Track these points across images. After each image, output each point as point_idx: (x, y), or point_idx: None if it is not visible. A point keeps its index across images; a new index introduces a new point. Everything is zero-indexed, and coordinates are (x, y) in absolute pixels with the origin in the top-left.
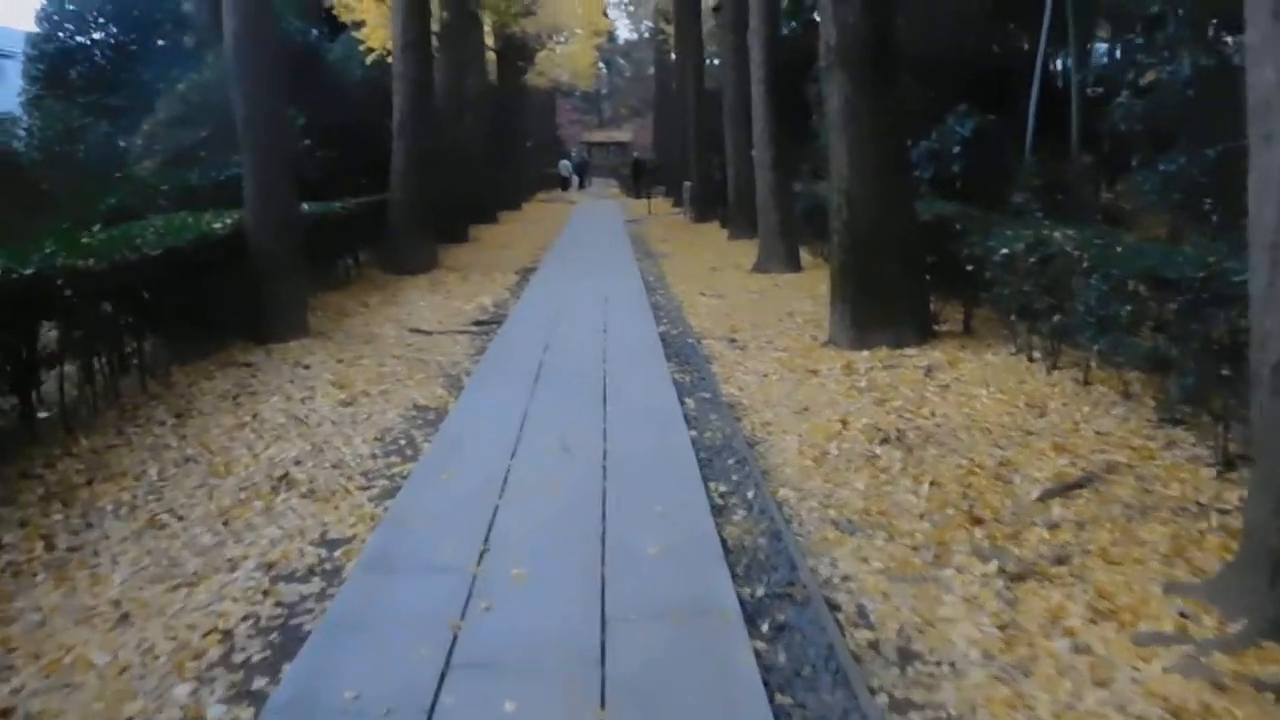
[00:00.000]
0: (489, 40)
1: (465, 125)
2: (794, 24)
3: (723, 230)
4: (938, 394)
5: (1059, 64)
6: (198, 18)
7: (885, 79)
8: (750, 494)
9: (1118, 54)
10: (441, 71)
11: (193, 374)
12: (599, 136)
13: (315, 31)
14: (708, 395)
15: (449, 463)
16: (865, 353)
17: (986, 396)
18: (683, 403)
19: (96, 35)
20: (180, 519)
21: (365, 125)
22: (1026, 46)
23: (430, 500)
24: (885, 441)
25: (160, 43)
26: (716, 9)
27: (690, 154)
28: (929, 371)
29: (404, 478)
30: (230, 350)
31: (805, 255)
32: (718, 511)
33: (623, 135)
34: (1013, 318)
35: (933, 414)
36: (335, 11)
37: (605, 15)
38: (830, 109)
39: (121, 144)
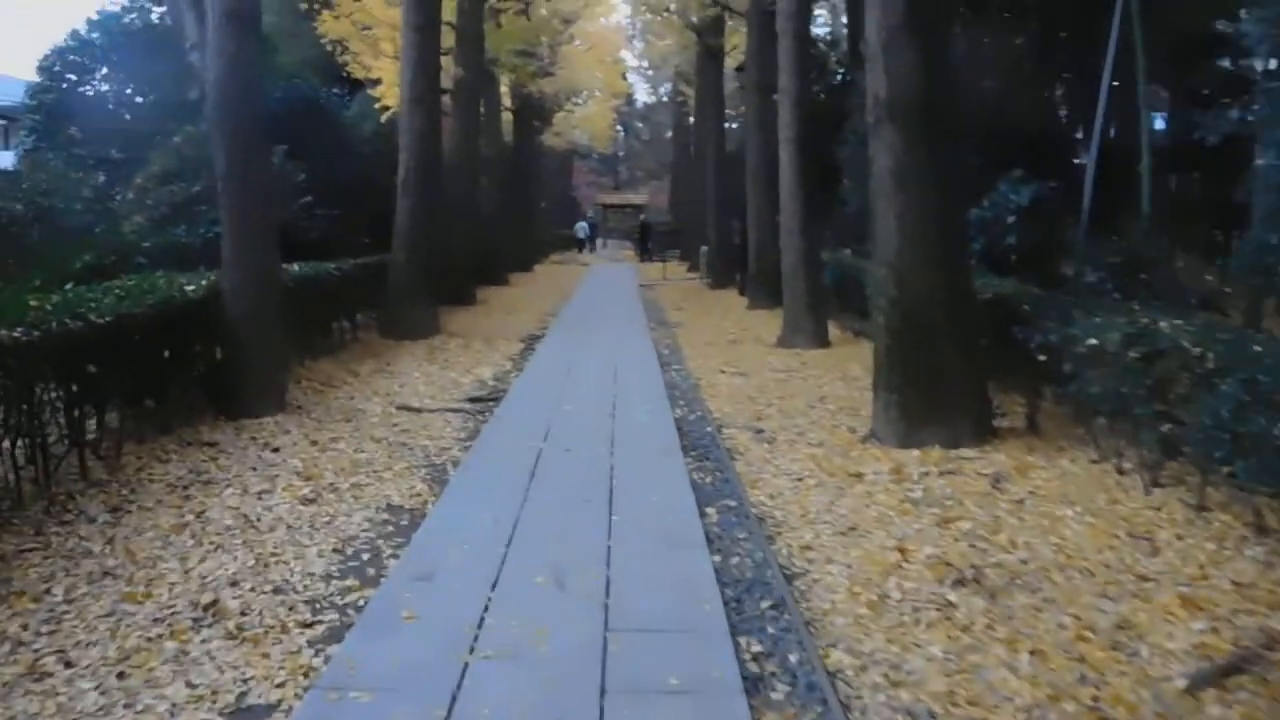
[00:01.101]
0: (505, 100)
1: (477, 184)
2: (826, 85)
3: (741, 298)
4: (1012, 513)
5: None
6: (201, 69)
7: (942, 137)
8: (794, 658)
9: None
10: (454, 129)
11: (147, 455)
12: (615, 199)
13: (326, 88)
14: (732, 504)
15: (414, 595)
16: (915, 452)
17: (1075, 520)
18: (703, 514)
19: (98, 85)
20: (69, 665)
21: (371, 183)
22: (1068, 111)
23: (382, 652)
24: (960, 583)
25: (161, 94)
26: (741, 69)
27: (709, 218)
28: (996, 481)
29: (358, 610)
30: (197, 427)
31: (833, 329)
32: (752, 686)
33: (639, 198)
34: (1099, 421)
35: (1012, 543)
36: (349, 69)
37: (624, 78)
38: (877, 171)
39: (117, 199)
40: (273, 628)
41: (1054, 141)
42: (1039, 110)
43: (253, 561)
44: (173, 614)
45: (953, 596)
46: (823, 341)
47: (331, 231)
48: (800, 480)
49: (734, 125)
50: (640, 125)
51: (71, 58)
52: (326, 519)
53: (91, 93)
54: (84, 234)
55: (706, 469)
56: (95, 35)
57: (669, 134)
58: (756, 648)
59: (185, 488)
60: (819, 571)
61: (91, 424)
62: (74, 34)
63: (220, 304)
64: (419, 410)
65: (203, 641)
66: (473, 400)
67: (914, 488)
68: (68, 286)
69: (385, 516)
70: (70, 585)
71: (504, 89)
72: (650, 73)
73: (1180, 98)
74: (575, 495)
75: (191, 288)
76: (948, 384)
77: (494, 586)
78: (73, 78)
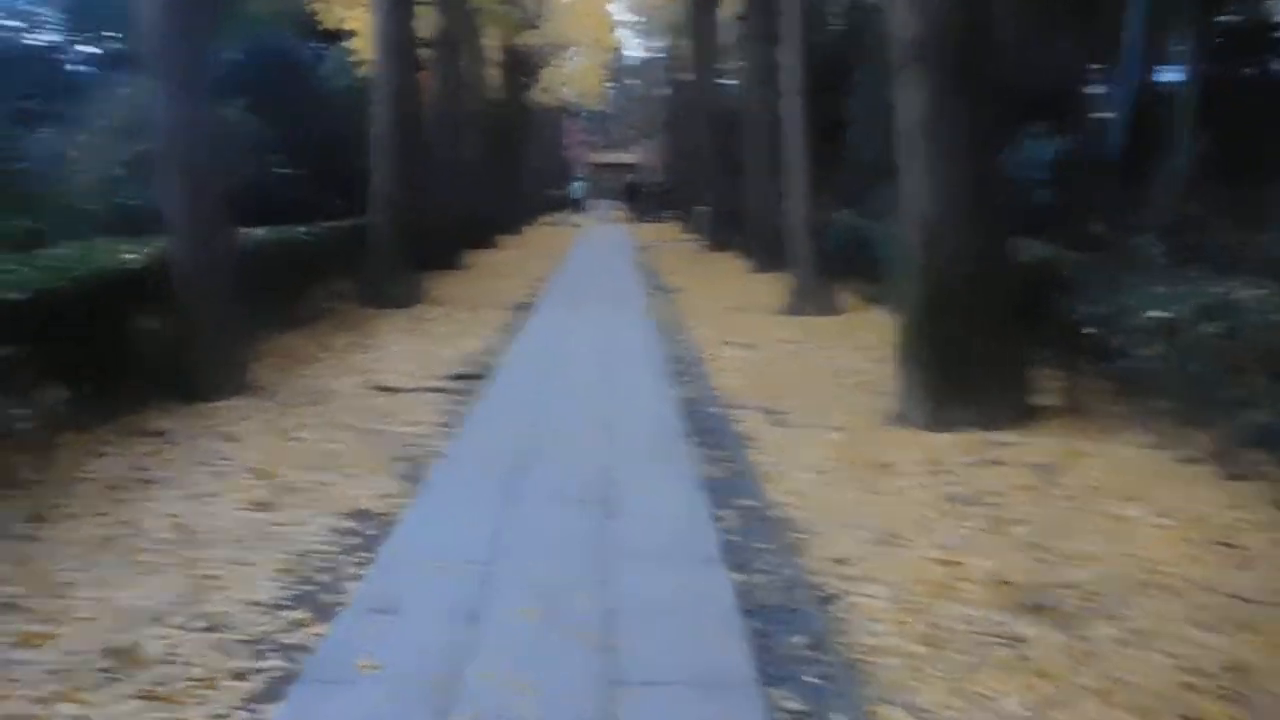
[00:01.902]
0: (491, 54)
1: (462, 142)
2: (829, 33)
3: (741, 261)
4: (1072, 514)
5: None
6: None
7: (978, 81)
8: None
9: None
10: (435, 83)
11: (84, 448)
12: (607, 158)
13: (300, 41)
14: (750, 504)
15: (376, 633)
16: (948, 436)
17: (1145, 522)
18: (716, 518)
19: (46, 35)
20: None
21: (346, 141)
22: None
23: (330, 716)
24: (1028, 609)
25: (115, 44)
26: (742, 18)
27: (706, 177)
28: (1046, 472)
29: (307, 652)
30: (145, 413)
31: (842, 295)
32: None
33: (631, 157)
34: (1160, 403)
35: (1080, 554)
36: (320, 19)
37: (613, 33)
38: (903, 121)
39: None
40: (198, 682)
41: (1070, 94)
42: (1052, 60)
43: (186, 587)
44: (78, 663)
45: (1021, 627)
46: (832, 308)
47: (303, 192)
48: (823, 472)
49: (735, 81)
50: (632, 82)
51: (11, 3)
52: (281, 529)
53: (39, 41)
54: (33, 198)
55: (717, 460)
56: None
57: (662, 90)
58: (793, 703)
59: (121, 488)
60: (858, 593)
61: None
62: None
63: (167, 275)
64: (396, 391)
65: (106, 703)
66: (456, 378)
67: (953, 480)
68: None
69: (350, 524)
70: None
71: (488, 42)
72: (641, 27)
73: (1210, 44)
74: (568, 496)
75: (132, 256)
76: (983, 359)
77: (472, 621)
78: (17, 24)
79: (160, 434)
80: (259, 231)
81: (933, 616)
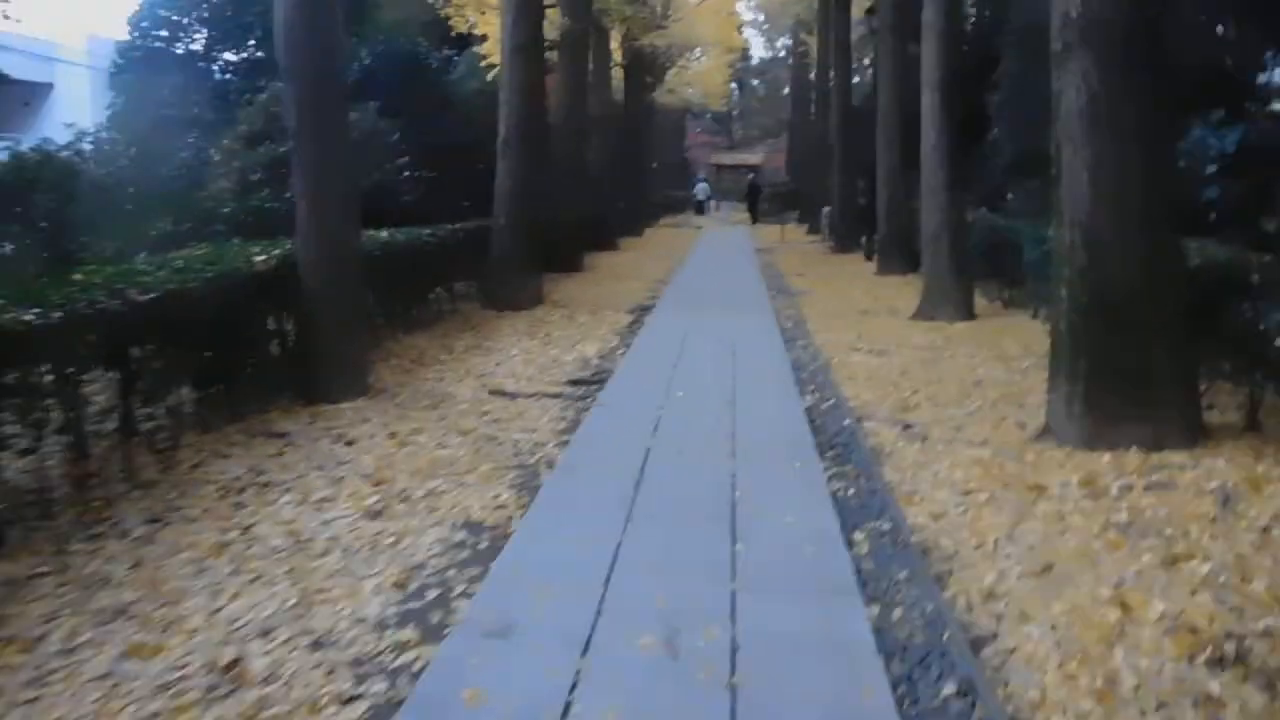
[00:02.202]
0: (616, 55)
1: (586, 144)
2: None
3: (868, 263)
4: (1260, 550)
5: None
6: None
7: (1147, 67)
8: None
9: None
10: (560, 84)
11: (208, 448)
12: (729, 159)
13: (432, 47)
14: (885, 527)
15: (484, 660)
16: (1107, 456)
17: None
18: (850, 542)
19: (188, 42)
20: None
21: (475, 144)
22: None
23: None
24: (1219, 663)
25: (256, 51)
26: (871, 10)
27: (833, 176)
28: (1225, 500)
29: (413, 677)
30: (270, 414)
31: (977, 299)
32: None
33: (754, 157)
34: None
35: (1274, 598)
36: (451, 23)
37: (739, 32)
38: (1064, 111)
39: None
40: (300, 705)
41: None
42: (1227, 41)
43: (295, 599)
44: (180, 680)
45: (1214, 685)
46: (968, 313)
47: (429, 195)
48: (967, 494)
49: (857, 80)
50: (755, 82)
51: (162, 13)
52: (393, 539)
53: (182, 50)
54: (173, 200)
55: (848, 476)
56: None
57: (785, 90)
58: None
59: (240, 491)
60: (1014, 635)
61: (157, 411)
62: None
63: (295, 276)
64: (514, 396)
65: None
66: (574, 383)
67: (1117, 506)
68: (140, 256)
69: (462, 536)
70: (73, 629)
71: (614, 44)
72: (766, 26)
73: None
74: (690, 513)
75: (262, 258)
76: (1149, 372)
77: (585, 650)
78: (164, 34)
79: (282, 436)
80: (383, 234)
81: (1106, 669)
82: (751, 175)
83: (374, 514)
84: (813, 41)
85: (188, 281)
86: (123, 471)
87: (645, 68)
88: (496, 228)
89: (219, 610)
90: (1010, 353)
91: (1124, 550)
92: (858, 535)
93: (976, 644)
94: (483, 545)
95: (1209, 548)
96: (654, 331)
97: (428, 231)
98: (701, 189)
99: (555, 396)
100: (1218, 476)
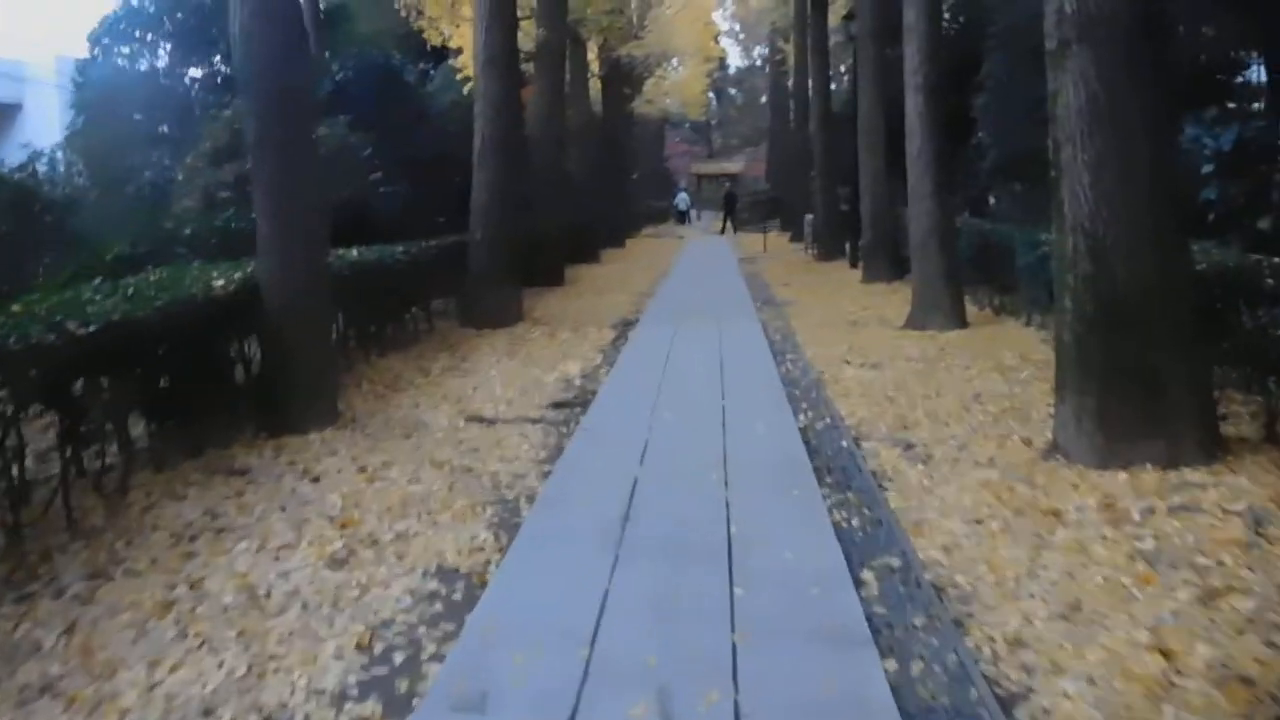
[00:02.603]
0: (594, 66)
1: (564, 155)
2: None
3: (853, 270)
4: None
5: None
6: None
7: (1151, 62)
8: None
9: None
10: (538, 96)
11: (159, 490)
12: (709, 168)
13: (407, 60)
14: (895, 563)
15: None
16: (1122, 476)
17: None
18: (858, 581)
19: (150, 58)
20: None
21: (450, 158)
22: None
23: None
24: None
25: (222, 65)
26: (849, 17)
27: (815, 183)
28: (1257, 524)
29: None
30: (232, 448)
31: (969, 305)
32: None
33: (734, 166)
34: None
35: None
36: (426, 36)
37: (716, 42)
38: (1062, 110)
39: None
40: None
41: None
42: (1223, 36)
43: (244, 668)
44: None
45: None
46: (960, 321)
47: (406, 210)
48: (979, 522)
49: (835, 86)
50: (733, 91)
51: (123, 28)
52: (356, 592)
53: (145, 66)
54: (132, 221)
55: (850, 504)
56: (147, 2)
57: (764, 99)
58: None
59: (192, 539)
60: (1048, 691)
61: (106, 449)
62: (125, 2)
63: (258, 300)
64: (492, 422)
65: None
66: (556, 406)
67: (1140, 533)
68: (96, 281)
69: (434, 586)
70: None
71: (592, 55)
72: (742, 36)
73: None
74: (682, 551)
75: (221, 282)
76: (1162, 383)
77: None
78: (125, 50)
79: (243, 473)
80: (353, 252)
81: None
82: (728, 185)
83: (338, 562)
84: (790, 49)
85: (136, 310)
86: (65, 518)
87: (623, 78)
88: (473, 243)
89: (157, 685)
90: (1007, 362)
91: (1156, 585)
92: (866, 573)
93: (1008, 703)
94: (457, 595)
95: (1247, 579)
96: (639, 347)
97: (400, 249)
98: (683, 199)
99: (536, 422)
100: (1243, 496)
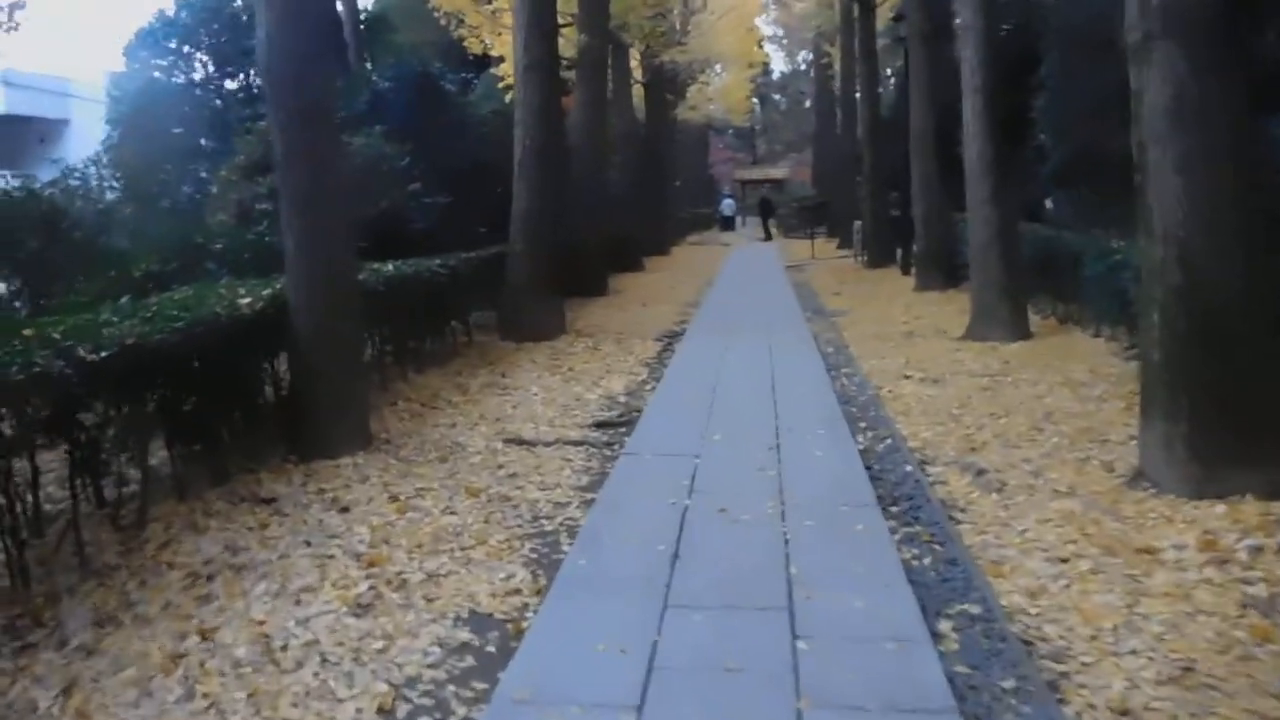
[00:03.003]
0: (636, 73)
1: (607, 163)
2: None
3: (905, 278)
4: None
5: None
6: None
7: (1241, 58)
8: None
9: None
10: (579, 103)
11: (180, 522)
12: (754, 174)
13: (449, 70)
14: (975, 610)
15: None
16: (1220, 508)
17: None
18: (935, 633)
19: (186, 70)
20: None
21: (492, 168)
22: None
23: None
24: None
25: (258, 78)
26: (898, 18)
27: (863, 188)
28: None
29: None
30: (259, 473)
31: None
32: None
33: (779, 172)
34: None
35: None
36: (467, 45)
37: (759, 47)
38: (1148, 109)
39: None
40: None
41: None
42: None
43: None
44: None
45: None
46: (1022, 332)
47: (446, 221)
48: (1065, 561)
49: (881, 90)
50: (777, 97)
51: (158, 41)
52: (381, 643)
53: (182, 79)
54: (163, 237)
55: (920, 540)
56: (183, 14)
57: (808, 104)
58: None
59: (210, 578)
60: None
61: (126, 479)
62: (160, 14)
63: (286, 319)
64: (532, 444)
65: None
66: (599, 426)
67: (1249, 577)
68: (122, 301)
69: (465, 636)
70: None
71: (634, 62)
72: (785, 41)
73: None
74: (738, 597)
75: (248, 300)
76: (1262, 406)
77: None
78: (160, 63)
79: (270, 501)
80: (388, 266)
81: None
82: (765, 190)
83: (362, 607)
84: (835, 53)
85: (154, 333)
86: (77, 556)
87: (666, 85)
88: (513, 254)
89: None
90: (1077, 378)
91: (1277, 642)
92: (943, 624)
93: None
94: (490, 647)
95: None
96: (685, 362)
97: (438, 261)
98: (728, 205)
99: (578, 444)
100: None
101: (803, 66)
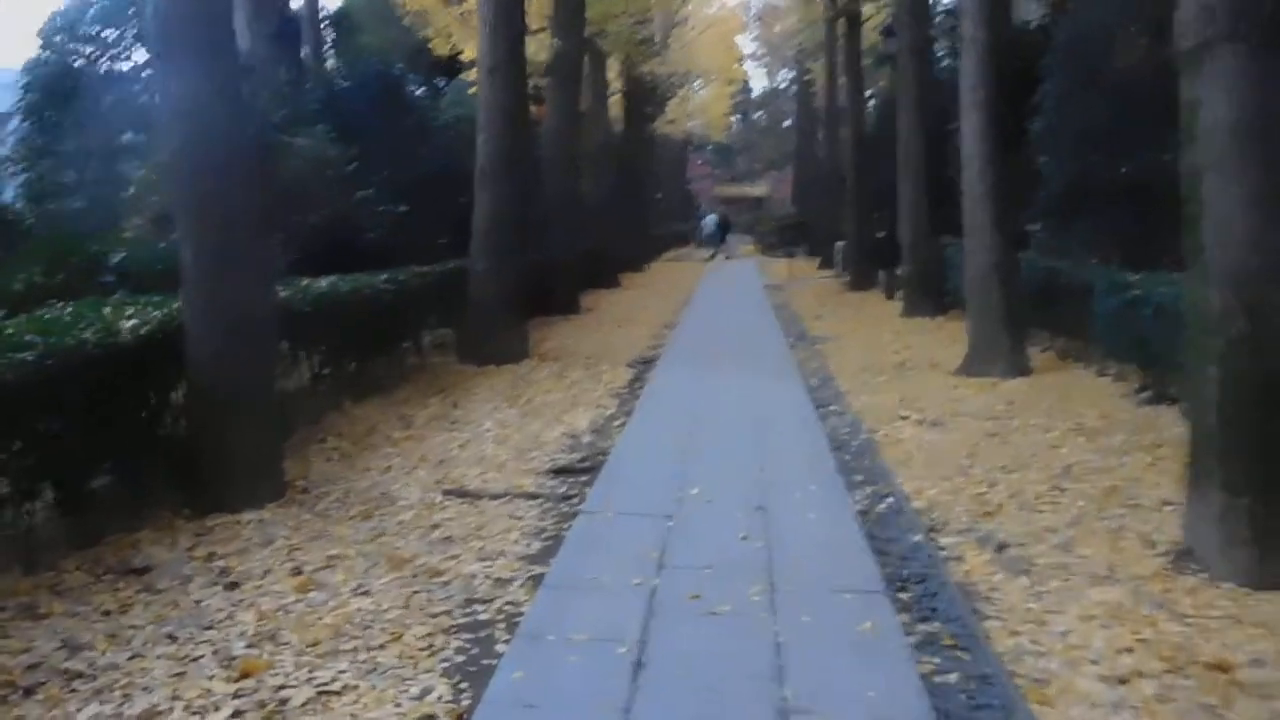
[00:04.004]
0: (616, 84)
1: (581, 175)
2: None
3: (890, 302)
4: None
5: None
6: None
7: None
8: None
9: None
10: (552, 111)
11: (17, 607)
12: (733, 191)
13: (416, 73)
14: None
15: None
16: None
17: None
18: None
19: (111, 57)
20: None
21: (457, 176)
22: None
23: None
24: None
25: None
26: (888, 32)
27: (848, 208)
28: None
29: None
30: (140, 531)
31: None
32: None
33: (758, 190)
34: None
35: None
36: (432, 45)
37: (740, 64)
38: (1206, 128)
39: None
40: None
41: None
42: None
43: None
44: None
45: None
46: (1022, 368)
47: (403, 231)
48: (1124, 682)
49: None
50: (757, 114)
51: (78, 26)
52: None
53: (104, 66)
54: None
55: (939, 642)
56: None
57: (787, 122)
58: None
59: (27, 693)
60: None
61: None
62: None
63: (181, 348)
64: (475, 497)
65: None
66: (557, 473)
67: None
68: None
69: None
70: None
71: (612, 73)
72: (767, 59)
73: None
74: None
75: (132, 323)
76: None
77: None
78: (80, 49)
79: (143, 572)
80: (321, 283)
81: None
82: (721, 209)
83: None
84: (819, 70)
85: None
86: None
87: (645, 97)
88: (474, 270)
89: None
90: (1090, 423)
91: None
92: None
93: None
94: None
95: None
96: (659, 393)
97: (384, 277)
98: (710, 221)
99: (531, 497)
100: None
101: (783, 84)
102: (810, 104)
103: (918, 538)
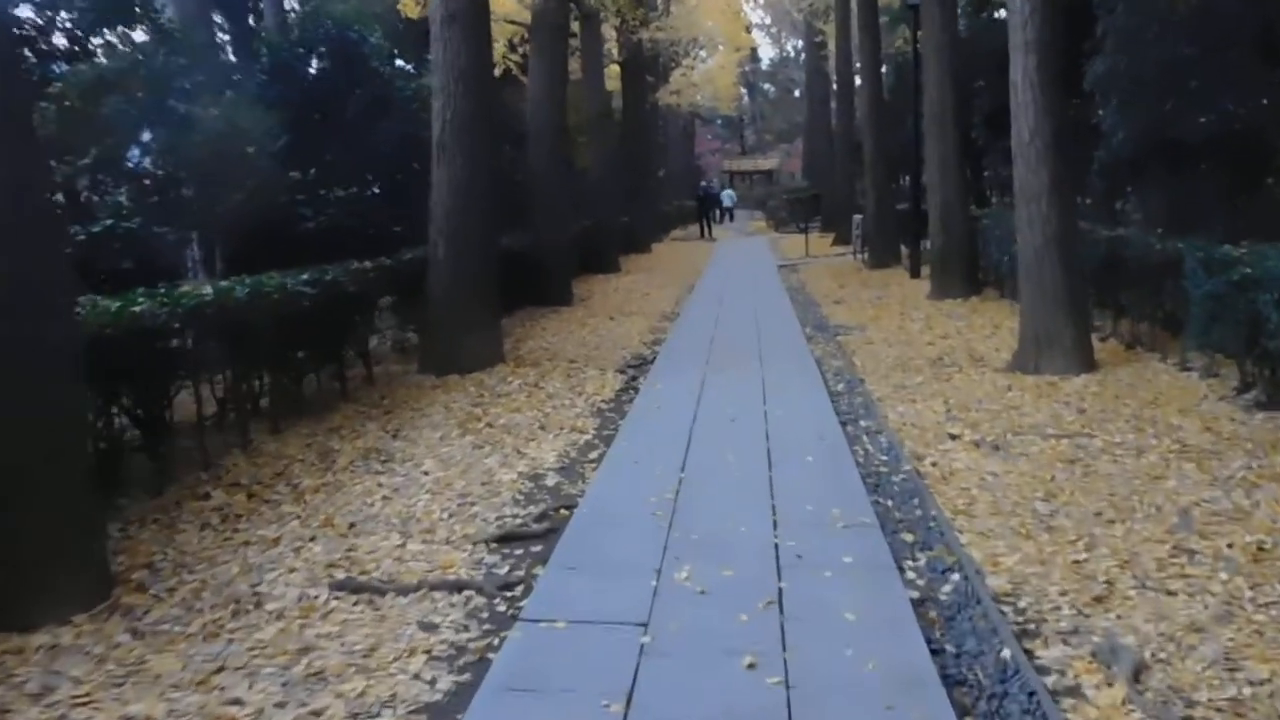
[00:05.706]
0: (613, 52)
1: (569, 148)
2: None
3: (914, 280)
4: None
5: None
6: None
7: None
8: None
9: None
10: (536, 76)
11: None
12: (743, 164)
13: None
14: None
15: None
16: None
17: None
18: None
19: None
20: None
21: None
22: None
23: None
24: None
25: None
26: None
27: (866, 178)
28: None
29: None
30: None
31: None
32: None
33: (768, 162)
34: None
35: None
36: (401, 6)
37: (747, 32)
38: None
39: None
40: None
41: None
42: None
43: None
44: None
45: None
46: (1087, 361)
47: (354, 219)
48: None
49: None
50: (766, 86)
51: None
52: None
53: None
54: None
55: None
56: None
57: (798, 92)
58: None
59: None
60: None
61: None
62: None
63: None
64: (379, 591)
65: None
66: (503, 541)
67: None
68: None
69: None
70: None
71: (611, 39)
72: (773, 27)
73: None
74: None
75: None
76: None
77: None
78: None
79: None
80: (206, 289)
81: None
82: (704, 183)
83: None
84: (830, 31)
85: None
86: None
87: (645, 65)
88: (434, 260)
89: None
90: (1191, 439)
91: None
92: None
93: None
94: None
95: None
96: (650, 411)
97: (304, 277)
98: (726, 196)
99: (456, 589)
100: None
101: (792, 53)
102: (821, 70)
103: (1007, 652)
